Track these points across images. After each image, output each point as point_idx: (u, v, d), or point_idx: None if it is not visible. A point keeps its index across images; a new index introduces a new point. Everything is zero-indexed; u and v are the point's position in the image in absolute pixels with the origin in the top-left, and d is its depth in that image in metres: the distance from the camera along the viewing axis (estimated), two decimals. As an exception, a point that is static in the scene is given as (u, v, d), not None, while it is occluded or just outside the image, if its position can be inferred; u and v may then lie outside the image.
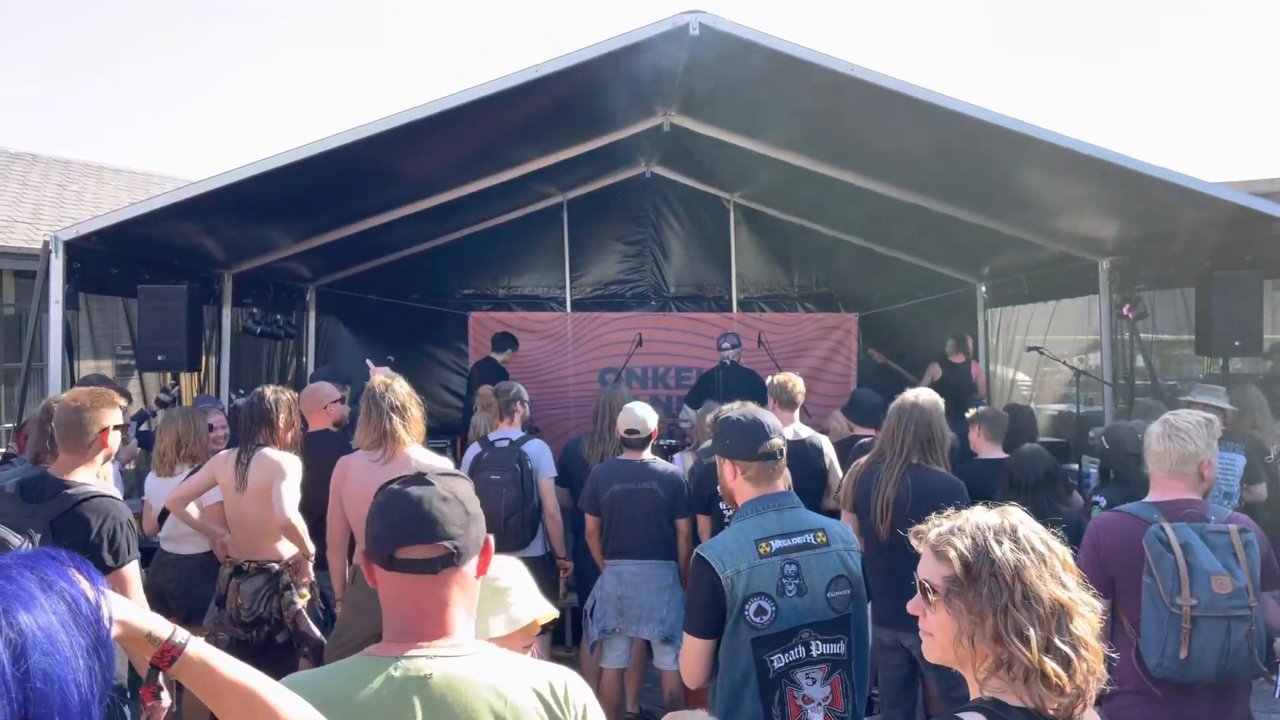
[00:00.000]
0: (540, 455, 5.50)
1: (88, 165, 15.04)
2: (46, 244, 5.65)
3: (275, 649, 4.27)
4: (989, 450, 5.24)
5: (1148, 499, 3.08)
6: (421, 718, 1.53)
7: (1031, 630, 1.57)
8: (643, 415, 5.03)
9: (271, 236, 7.82)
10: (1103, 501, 4.54)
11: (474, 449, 5.64)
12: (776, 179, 8.62)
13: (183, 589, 4.77)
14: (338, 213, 7.76)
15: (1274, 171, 11.79)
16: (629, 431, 5.02)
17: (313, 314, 9.87)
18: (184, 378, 7.32)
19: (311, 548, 4.31)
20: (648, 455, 5.05)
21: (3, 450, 6.88)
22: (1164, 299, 7.96)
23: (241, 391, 7.63)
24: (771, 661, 2.68)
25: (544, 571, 4.98)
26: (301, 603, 4.32)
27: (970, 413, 5.56)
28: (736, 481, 2.77)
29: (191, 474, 4.78)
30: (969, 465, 5.17)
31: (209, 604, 4.42)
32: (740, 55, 5.75)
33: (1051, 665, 1.56)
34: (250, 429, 4.43)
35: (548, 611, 2.06)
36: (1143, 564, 2.90)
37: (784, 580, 2.67)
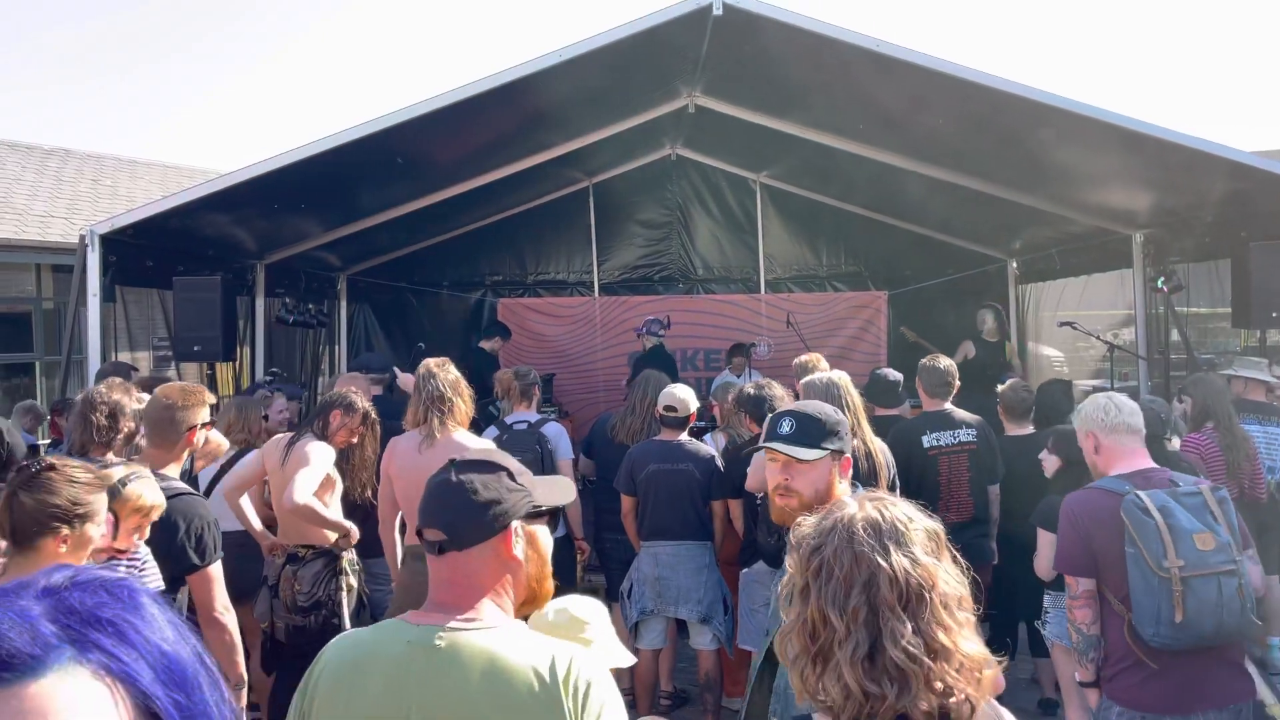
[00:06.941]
0: (559, 437, 5.54)
1: (120, 159, 15.22)
2: (83, 238, 5.74)
3: (333, 633, 4.26)
4: (1014, 428, 5.27)
5: (1114, 473, 3.07)
6: (417, 682, 1.65)
7: (796, 635, 1.37)
8: (683, 396, 5.03)
9: (302, 226, 7.89)
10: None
11: (491, 432, 5.67)
12: (803, 158, 8.57)
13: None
14: (367, 201, 7.81)
15: (1311, 139, 11.55)
16: (667, 409, 5.02)
17: (344, 303, 9.96)
18: (219, 368, 7.43)
19: (342, 525, 4.23)
20: (684, 436, 5.06)
21: (46, 440, 7.02)
22: (1198, 271, 7.83)
23: (276, 371, 7.75)
24: None
25: (563, 553, 4.99)
26: (346, 592, 4.27)
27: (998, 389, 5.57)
28: None
29: (234, 458, 4.85)
30: (999, 442, 5.20)
31: (255, 585, 4.45)
32: (764, 34, 5.72)
33: (812, 677, 1.35)
34: (305, 419, 4.48)
35: (624, 660, 2.26)
36: (1122, 536, 2.89)
37: None
